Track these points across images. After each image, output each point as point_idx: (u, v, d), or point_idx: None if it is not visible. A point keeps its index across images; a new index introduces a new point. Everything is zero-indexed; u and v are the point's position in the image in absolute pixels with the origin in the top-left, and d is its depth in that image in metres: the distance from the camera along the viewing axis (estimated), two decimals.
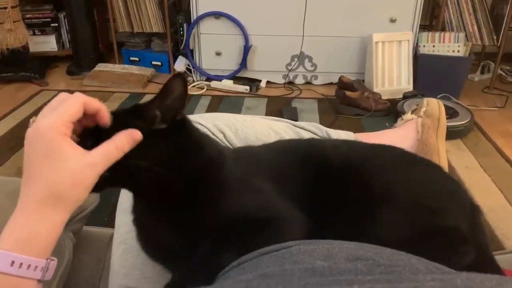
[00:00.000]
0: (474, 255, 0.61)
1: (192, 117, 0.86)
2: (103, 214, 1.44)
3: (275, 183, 0.64)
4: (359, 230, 0.57)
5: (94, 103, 0.51)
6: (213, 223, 0.58)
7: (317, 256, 0.47)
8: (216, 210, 0.58)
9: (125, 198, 0.79)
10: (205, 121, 0.85)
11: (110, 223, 1.24)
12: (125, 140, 0.50)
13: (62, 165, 0.47)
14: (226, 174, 0.61)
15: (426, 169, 0.74)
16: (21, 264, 0.46)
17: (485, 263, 0.65)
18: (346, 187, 0.65)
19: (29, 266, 0.46)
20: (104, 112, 0.52)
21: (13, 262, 0.45)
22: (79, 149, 0.48)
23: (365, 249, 0.48)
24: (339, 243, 0.50)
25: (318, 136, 0.92)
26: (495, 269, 0.66)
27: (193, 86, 2.76)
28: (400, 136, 1.08)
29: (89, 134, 0.52)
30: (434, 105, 1.12)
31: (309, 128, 0.93)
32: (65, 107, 0.48)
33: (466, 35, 2.60)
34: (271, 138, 0.87)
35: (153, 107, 0.55)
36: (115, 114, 0.55)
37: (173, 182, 0.56)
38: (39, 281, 0.48)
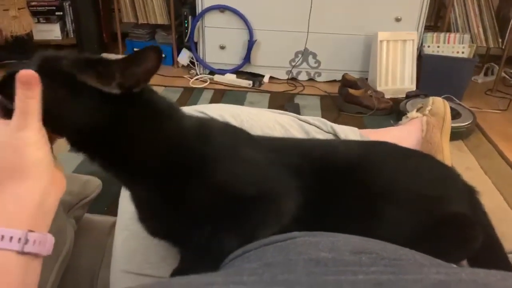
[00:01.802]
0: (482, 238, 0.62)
1: (197, 107, 0.87)
2: (103, 204, 1.44)
3: (269, 152, 0.63)
4: (364, 230, 0.56)
5: None
6: (201, 196, 0.57)
7: (321, 248, 0.47)
8: (201, 182, 0.57)
9: None
10: (210, 111, 0.85)
11: (110, 213, 1.24)
12: (22, 90, 0.48)
13: None
14: (209, 144, 0.60)
15: (419, 160, 0.75)
16: None
17: (490, 243, 0.66)
18: (345, 186, 0.65)
19: (2, 237, 0.45)
20: None
21: None
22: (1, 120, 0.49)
23: (370, 243, 0.49)
24: (344, 236, 0.51)
25: (323, 130, 0.92)
26: (499, 248, 0.67)
27: (196, 79, 2.76)
28: (405, 133, 1.08)
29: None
30: (439, 104, 1.12)
31: (314, 122, 0.93)
32: None
33: (471, 37, 2.60)
34: (276, 130, 0.87)
35: (114, 69, 0.51)
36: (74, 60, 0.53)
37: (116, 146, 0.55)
38: (20, 253, 0.46)
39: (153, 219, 0.63)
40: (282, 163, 0.63)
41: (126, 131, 0.55)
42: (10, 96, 0.49)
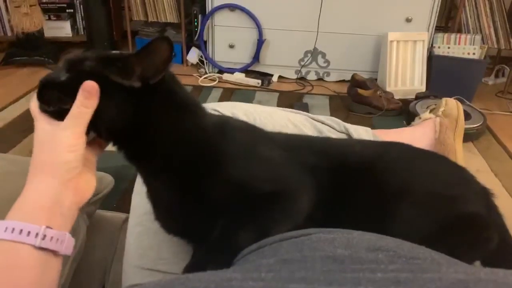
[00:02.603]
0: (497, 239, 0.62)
1: (210, 105, 0.87)
2: (112, 200, 1.45)
3: (285, 150, 0.64)
4: (377, 228, 0.57)
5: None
6: (218, 192, 0.58)
7: (337, 245, 0.47)
8: (218, 178, 0.58)
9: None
10: (223, 109, 0.85)
11: (119, 209, 1.25)
12: (82, 98, 0.51)
13: (36, 139, 0.53)
14: (228, 141, 0.61)
15: (434, 160, 0.75)
16: (13, 229, 0.47)
17: (504, 245, 0.65)
18: (361, 185, 0.65)
19: (21, 231, 0.47)
20: None
21: (6, 228, 0.47)
22: (47, 120, 0.54)
23: (386, 241, 0.49)
24: (359, 233, 0.50)
25: (336, 130, 0.92)
26: None
27: (205, 78, 2.77)
28: (418, 134, 1.08)
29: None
30: (452, 105, 1.12)
31: (327, 122, 0.93)
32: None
33: (482, 38, 2.57)
34: (289, 129, 0.87)
35: (132, 62, 0.54)
36: (93, 59, 0.55)
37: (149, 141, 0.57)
38: (37, 248, 0.47)
39: (170, 216, 0.63)
40: (298, 160, 0.64)
41: (151, 123, 0.57)
42: (48, 102, 0.54)
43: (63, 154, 0.51)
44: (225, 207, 0.57)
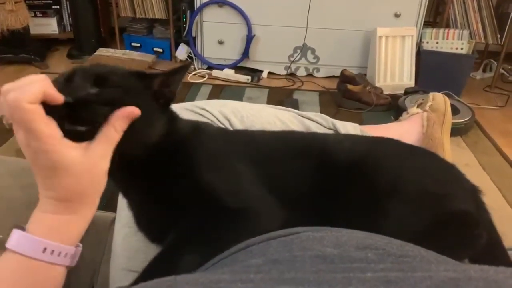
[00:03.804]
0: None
1: (198, 103, 0.86)
2: (102, 199, 1.43)
3: (259, 166, 0.63)
4: (367, 226, 0.56)
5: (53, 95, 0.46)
6: (182, 198, 0.58)
7: (326, 244, 0.46)
8: (186, 180, 0.58)
9: None
10: (211, 107, 0.84)
11: (109, 208, 1.23)
12: (122, 122, 0.49)
13: (68, 168, 0.47)
14: (198, 147, 0.62)
15: (424, 158, 0.75)
16: (52, 251, 0.48)
17: (491, 242, 0.66)
18: (350, 182, 0.64)
19: (59, 253, 0.49)
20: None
21: (45, 249, 0.48)
22: (71, 144, 0.47)
23: (375, 239, 0.48)
24: (348, 231, 0.50)
25: (324, 126, 0.92)
26: (501, 247, 0.67)
27: (194, 74, 2.75)
28: (405, 129, 1.08)
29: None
30: (440, 100, 1.12)
31: (315, 118, 0.93)
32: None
33: (470, 33, 2.59)
34: (277, 127, 0.86)
35: (163, 85, 0.56)
36: (118, 74, 0.54)
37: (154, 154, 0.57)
38: (67, 267, 0.51)
39: (151, 226, 0.64)
40: (272, 171, 0.63)
41: (170, 135, 0.59)
42: (85, 121, 0.48)
43: (103, 182, 0.51)
44: (187, 213, 0.57)
